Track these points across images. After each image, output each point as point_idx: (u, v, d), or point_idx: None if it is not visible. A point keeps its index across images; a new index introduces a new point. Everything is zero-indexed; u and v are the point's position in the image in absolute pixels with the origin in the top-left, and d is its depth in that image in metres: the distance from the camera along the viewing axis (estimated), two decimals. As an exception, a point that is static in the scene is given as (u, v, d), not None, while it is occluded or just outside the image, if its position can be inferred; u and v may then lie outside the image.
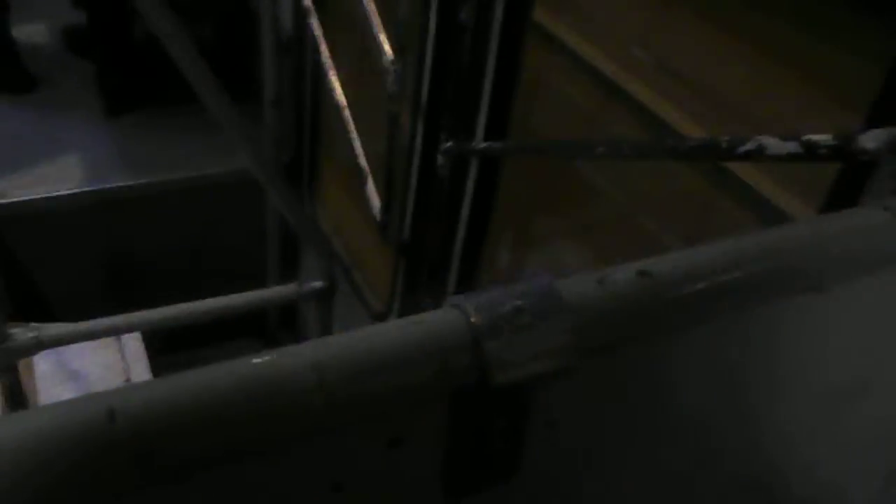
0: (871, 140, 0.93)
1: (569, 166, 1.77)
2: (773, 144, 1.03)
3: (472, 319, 0.46)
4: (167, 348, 2.93)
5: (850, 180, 1.12)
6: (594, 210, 1.82)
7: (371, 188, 2.23)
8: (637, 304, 0.51)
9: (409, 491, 0.53)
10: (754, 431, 0.73)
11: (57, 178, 2.74)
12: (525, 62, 1.71)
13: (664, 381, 0.60)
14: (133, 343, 2.57)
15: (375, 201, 2.23)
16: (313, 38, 2.42)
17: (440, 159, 1.83)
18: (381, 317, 2.39)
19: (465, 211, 1.94)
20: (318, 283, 2.11)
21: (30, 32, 3.27)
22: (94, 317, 2.25)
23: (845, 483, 0.88)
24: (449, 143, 1.78)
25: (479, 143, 1.76)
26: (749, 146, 1.05)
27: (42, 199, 2.67)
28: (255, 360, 0.43)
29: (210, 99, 1.95)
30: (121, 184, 2.78)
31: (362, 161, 2.26)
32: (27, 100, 3.07)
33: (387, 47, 1.95)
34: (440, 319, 0.46)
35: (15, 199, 2.62)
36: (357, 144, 2.25)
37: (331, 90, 2.31)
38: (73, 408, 0.40)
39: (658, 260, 0.53)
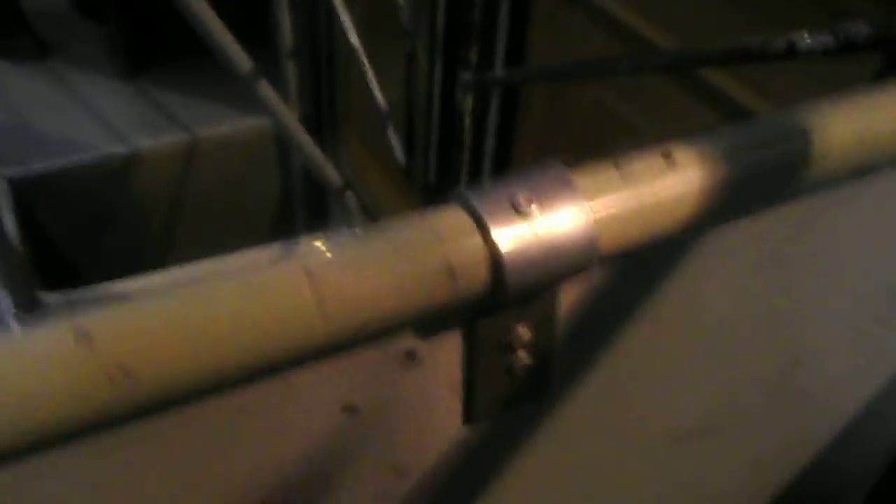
0: (917, 23, 0.86)
1: (591, 97, 1.70)
2: (805, 40, 0.96)
3: (478, 210, 0.41)
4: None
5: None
6: (619, 141, 1.75)
7: (392, 132, 2.18)
8: (662, 189, 0.46)
9: (430, 409, 0.50)
10: (789, 329, 0.68)
11: (78, 143, 2.72)
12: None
13: (694, 276, 0.55)
14: (168, 304, 2.57)
15: (398, 145, 2.18)
16: (324, -19, 2.35)
17: (460, 93, 1.77)
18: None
19: (489, 146, 1.88)
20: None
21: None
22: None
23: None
24: (468, 76, 1.72)
25: (499, 72, 1.70)
26: (781, 44, 0.98)
27: (65, 166, 2.66)
28: (241, 272, 0.39)
29: (226, 52, 1.90)
30: (144, 145, 2.76)
31: (382, 105, 2.21)
32: (41, 67, 3.05)
33: (398, -19, 1.88)
34: (443, 213, 0.41)
35: (38, 169, 2.61)
36: (375, 88, 2.19)
37: (345, 33, 2.25)
38: (40, 333, 0.36)
39: (683, 141, 0.48)
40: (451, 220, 0.41)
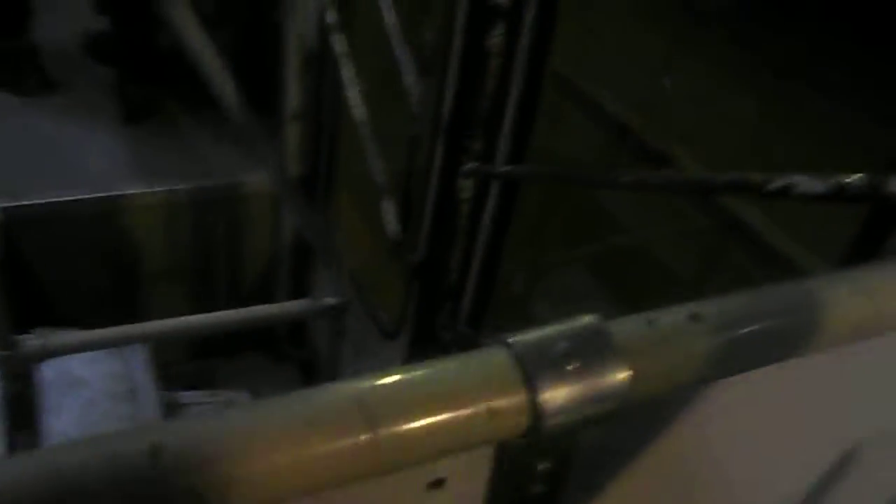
0: (901, 184, 0.92)
1: (586, 195, 1.76)
2: (804, 183, 1.02)
3: (524, 361, 0.44)
4: (174, 358, 2.92)
5: (873, 223, 1.11)
6: (609, 239, 1.81)
7: (387, 206, 2.22)
8: (689, 347, 0.50)
9: (447, 533, 0.52)
10: (790, 477, 0.71)
11: (70, 181, 2.73)
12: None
13: (708, 424, 0.58)
14: (139, 352, 2.55)
15: (391, 219, 2.22)
16: (336, 54, 2.42)
17: (462, 180, 1.82)
18: (391, 336, 2.37)
19: (483, 233, 1.93)
20: (331, 300, 2.10)
21: (51, 36, 3.29)
22: (101, 325, 2.24)
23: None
24: (473, 165, 1.77)
25: (503, 166, 1.75)
26: (779, 183, 1.04)
27: (53, 202, 2.66)
28: (299, 398, 0.42)
29: (231, 108, 1.95)
30: (134, 191, 2.77)
31: (380, 178, 2.26)
32: (45, 102, 3.07)
33: (411, 68, 1.95)
34: (490, 360, 0.44)
35: (26, 201, 2.61)
36: (375, 162, 2.24)
37: (351, 107, 2.31)
38: (116, 442, 0.38)
39: (706, 303, 0.52)
40: (498, 368, 0.44)
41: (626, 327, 0.49)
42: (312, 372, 3.24)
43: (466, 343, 2.02)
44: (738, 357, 0.53)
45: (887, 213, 1.04)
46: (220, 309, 2.32)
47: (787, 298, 0.55)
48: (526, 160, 1.78)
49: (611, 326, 0.49)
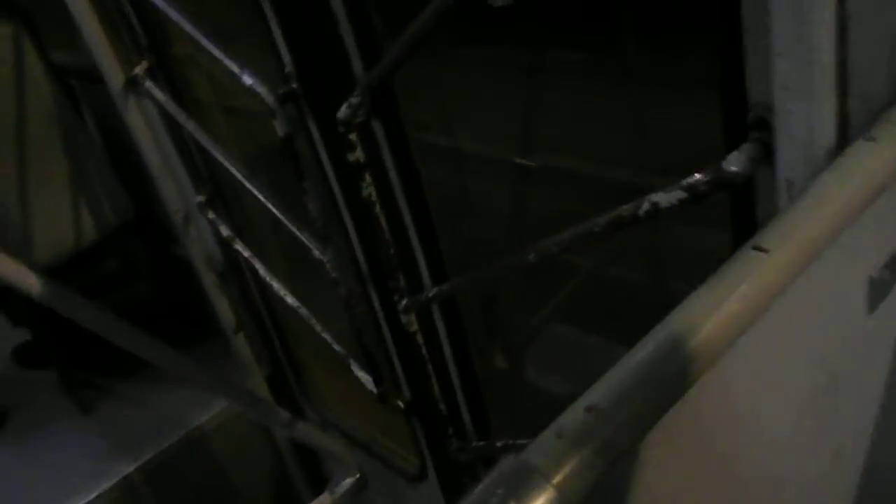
0: (733, 163, 1.02)
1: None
2: (663, 198, 1.11)
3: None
4: None
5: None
6: (564, 285, 1.90)
7: (356, 367, 2.28)
8: (594, 443, 0.57)
9: None
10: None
11: (60, 496, 2.72)
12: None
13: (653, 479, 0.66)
14: None
15: (365, 376, 2.28)
16: (245, 259, 2.52)
17: (405, 317, 1.91)
18: (419, 478, 2.40)
19: (447, 351, 2.00)
20: (349, 481, 2.12)
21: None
22: None
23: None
24: (405, 301, 1.86)
25: (430, 291, 1.85)
26: (646, 207, 1.13)
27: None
28: None
29: (164, 362, 1.95)
30: (124, 473, 2.78)
31: (337, 347, 2.32)
32: (3, 433, 3.08)
33: (313, 242, 2.05)
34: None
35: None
36: (326, 335, 2.32)
37: (281, 297, 2.40)
38: None
39: (595, 389, 0.60)
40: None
41: (541, 447, 0.56)
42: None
43: (483, 456, 2.06)
44: (644, 417, 0.61)
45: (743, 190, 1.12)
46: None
47: (662, 347, 0.63)
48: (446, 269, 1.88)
49: (529, 455, 0.56)
